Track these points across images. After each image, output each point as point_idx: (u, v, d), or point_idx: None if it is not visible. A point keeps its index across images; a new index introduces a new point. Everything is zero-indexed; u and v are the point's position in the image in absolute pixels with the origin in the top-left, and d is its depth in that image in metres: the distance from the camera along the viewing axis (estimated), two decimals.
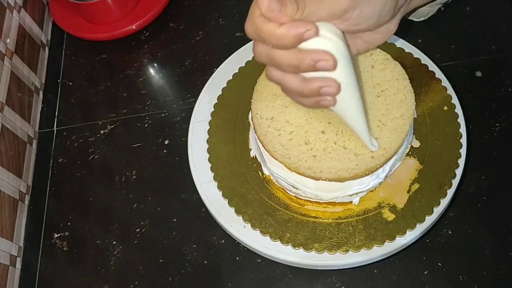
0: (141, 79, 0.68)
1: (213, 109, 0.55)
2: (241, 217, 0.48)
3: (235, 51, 0.59)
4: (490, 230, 0.52)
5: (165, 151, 0.62)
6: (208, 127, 0.54)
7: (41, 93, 0.70)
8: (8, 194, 0.57)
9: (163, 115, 0.64)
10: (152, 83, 0.68)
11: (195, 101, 0.57)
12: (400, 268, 0.51)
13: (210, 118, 0.55)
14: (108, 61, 0.71)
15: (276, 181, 0.50)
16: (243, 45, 0.59)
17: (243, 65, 0.57)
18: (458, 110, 0.52)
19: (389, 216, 0.47)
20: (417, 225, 0.46)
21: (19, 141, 0.61)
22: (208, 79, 0.58)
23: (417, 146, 0.50)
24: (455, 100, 0.52)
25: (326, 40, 0.32)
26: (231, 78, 0.57)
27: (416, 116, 0.51)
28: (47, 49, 0.74)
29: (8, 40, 0.64)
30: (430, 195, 0.47)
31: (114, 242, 0.56)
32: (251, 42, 0.34)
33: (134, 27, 0.70)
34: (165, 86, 0.68)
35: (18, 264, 0.56)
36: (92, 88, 0.69)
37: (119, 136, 0.64)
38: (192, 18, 0.72)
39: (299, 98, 0.36)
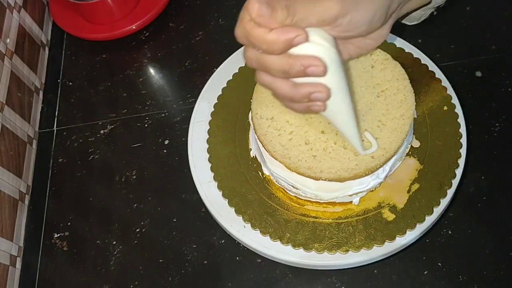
0: (141, 79, 0.68)
1: (213, 109, 0.55)
2: (241, 217, 0.48)
3: (235, 51, 0.59)
4: (490, 230, 0.52)
5: (165, 151, 0.62)
6: (208, 127, 0.54)
7: (41, 93, 0.70)
8: (8, 194, 0.57)
9: (163, 115, 0.64)
10: (152, 83, 0.68)
11: (195, 101, 0.57)
12: (400, 268, 0.51)
13: (210, 118, 0.55)
14: (108, 61, 0.71)
15: (276, 181, 0.50)
16: (243, 45, 0.59)
17: (243, 65, 0.57)
18: (458, 110, 0.52)
19: (389, 216, 0.47)
20: (417, 225, 0.46)
21: (19, 141, 0.61)
22: (208, 79, 0.58)
23: (417, 146, 0.50)
24: (455, 100, 0.52)
25: (317, 46, 0.32)
26: (231, 78, 0.57)
27: (416, 116, 0.51)
28: (47, 49, 0.74)
29: (8, 40, 0.64)
30: (430, 195, 0.47)
31: (114, 242, 0.56)
32: None
33: (134, 27, 0.70)
34: (165, 86, 0.68)
35: (18, 264, 0.56)
36: (92, 88, 0.69)
37: (119, 136, 0.64)
38: (192, 18, 0.72)
39: (289, 103, 0.36)
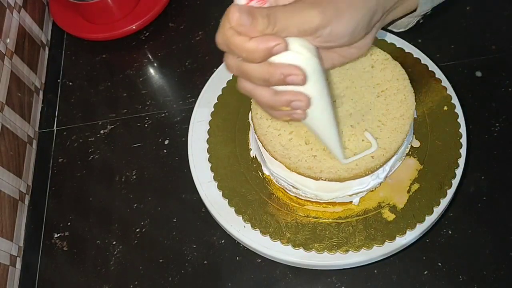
0: (141, 79, 0.68)
1: (213, 109, 0.55)
2: (241, 217, 0.48)
3: None
4: (490, 230, 0.52)
5: (165, 151, 0.62)
6: (208, 127, 0.54)
7: (41, 93, 0.70)
8: (8, 194, 0.57)
9: (163, 115, 0.64)
10: (152, 83, 0.68)
11: (195, 101, 0.57)
12: (400, 268, 0.51)
13: (210, 118, 0.55)
14: (108, 61, 0.71)
15: (276, 181, 0.50)
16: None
17: None
18: (458, 110, 0.52)
19: (389, 216, 0.47)
20: (417, 225, 0.46)
21: (19, 141, 0.61)
22: (208, 79, 0.58)
23: (417, 146, 0.50)
24: (455, 100, 0.52)
25: (297, 55, 0.32)
26: (231, 78, 0.57)
27: (416, 116, 0.51)
28: (47, 49, 0.74)
29: (8, 40, 0.64)
30: (430, 195, 0.47)
31: (114, 242, 0.56)
32: None
33: (134, 27, 0.70)
34: (165, 86, 0.68)
35: (18, 264, 0.56)
36: (92, 88, 0.69)
37: (119, 136, 0.64)
38: (192, 18, 0.72)
39: (270, 110, 0.36)
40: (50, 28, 0.76)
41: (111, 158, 0.62)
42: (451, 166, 0.49)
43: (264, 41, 0.31)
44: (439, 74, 0.54)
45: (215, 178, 0.51)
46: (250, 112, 0.51)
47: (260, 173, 0.51)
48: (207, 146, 0.53)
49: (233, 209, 0.49)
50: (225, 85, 0.56)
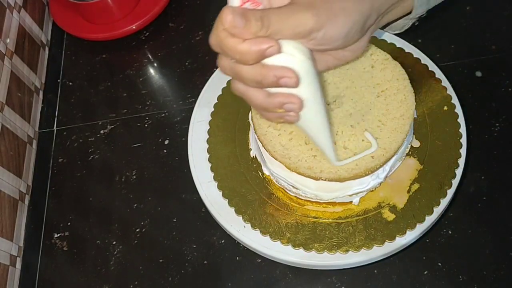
0: (141, 79, 0.68)
1: (213, 109, 0.55)
2: (241, 217, 0.48)
3: None
4: (490, 230, 0.52)
5: (165, 151, 0.62)
6: (208, 127, 0.54)
7: (41, 93, 0.70)
8: (8, 194, 0.57)
9: (163, 115, 0.64)
10: (152, 83, 0.68)
11: (195, 101, 0.57)
12: (400, 268, 0.51)
13: (210, 118, 0.55)
14: (108, 61, 0.71)
15: (276, 181, 0.50)
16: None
17: None
18: (458, 110, 0.52)
19: (389, 216, 0.47)
20: (417, 225, 0.46)
21: (19, 141, 0.61)
22: (208, 79, 0.58)
23: (417, 146, 0.50)
24: (455, 100, 0.52)
25: (291, 57, 0.32)
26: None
27: (416, 116, 0.51)
28: (47, 49, 0.74)
29: (8, 40, 0.64)
30: (430, 195, 0.47)
31: (114, 242, 0.56)
32: None
33: (134, 27, 0.70)
34: (165, 86, 0.68)
35: (18, 264, 0.56)
36: (92, 88, 0.69)
37: (119, 136, 0.64)
38: (192, 18, 0.72)
39: (263, 112, 0.36)
40: (50, 28, 0.76)
41: (111, 158, 0.62)
42: (451, 166, 0.49)
43: (257, 43, 0.31)
44: (439, 74, 0.54)
45: (215, 178, 0.51)
46: (250, 112, 0.51)
47: (260, 173, 0.51)
48: (207, 146, 0.53)
49: (233, 209, 0.49)
50: (225, 85, 0.56)
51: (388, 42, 0.56)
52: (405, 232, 0.46)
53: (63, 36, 0.74)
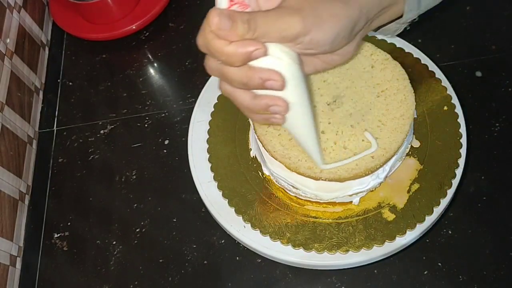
0: (141, 79, 0.68)
1: (213, 109, 0.55)
2: (241, 217, 0.48)
3: None
4: (490, 230, 0.52)
5: (165, 151, 0.62)
6: (208, 127, 0.54)
7: (41, 93, 0.70)
8: (8, 194, 0.57)
9: (163, 115, 0.64)
10: (152, 83, 0.68)
11: (195, 101, 0.57)
12: (400, 268, 0.51)
13: (210, 118, 0.55)
14: (108, 61, 0.71)
15: (276, 181, 0.50)
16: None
17: None
18: (458, 110, 0.52)
19: (389, 216, 0.47)
20: (417, 225, 0.46)
21: (19, 141, 0.61)
22: (208, 79, 0.58)
23: (417, 146, 0.50)
24: (455, 100, 0.52)
25: (277, 60, 0.33)
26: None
27: (416, 116, 0.51)
28: (47, 49, 0.74)
29: (8, 40, 0.64)
30: (430, 195, 0.47)
31: (114, 242, 0.56)
32: None
33: (134, 27, 0.70)
34: (165, 86, 0.68)
35: (18, 264, 0.56)
36: (92, 88, 0.69)
37: (119, 136, 0.64)
38: (192, 18, 0.72)
39: (249, 113, 0.36)
40: (50, 28, 0.76)
41: (111, 158, 0.62)
42: (451, 166, 0.49)
43: (243, 45, 0.31)
44: (439, 74, 0.54)
45: (215, 178, 0.51)
46: None
47: (260, 173, 0.51)
48: (207, 146, 0.53)
49: (233, 209, 0.49)
50: None
51: (388, 42, 0.56)
52: (405, 232, 0.46)
53: (63, 36, 0.74)
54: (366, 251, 0.46)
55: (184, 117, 0.63)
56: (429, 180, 0.48)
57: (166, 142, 0.62)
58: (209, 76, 0.58)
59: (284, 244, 0.47)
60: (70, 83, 0.70)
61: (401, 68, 0.48)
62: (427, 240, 0.52)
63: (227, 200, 0.49)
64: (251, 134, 0.53)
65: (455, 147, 0.50)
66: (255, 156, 0.52)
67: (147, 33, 0.72)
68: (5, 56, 0.62)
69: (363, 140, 0.45)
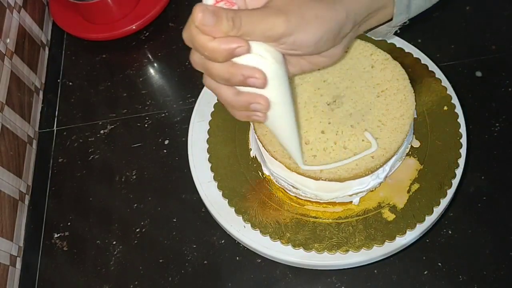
0: (141, 79, 0.68)
1: (213, 109, 0.55)
2: (241, 217, 0.48)
3: None
4: (490, 230, 0.52)
5: (165, 151, 0.62)
6: (208, 127, 0.54)
7: (41, 93, 0.70)
8: (8, 194, 0.57)
9: (163, 115, 0.64)
10: (152, 83, 0.68)
11: (195, 101, 0.57)
12: (400, 268, 0.51)
13: (210, 118, 0.55)
14: (108, 61, 0.71)
15: (276, 181, 0.50)
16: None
17: None
18: (458, 110, 0.52)
19: (389, 216, 0.47)
20: (417, 225, 0.46)
21: (19, 141, 0.61)
22: None
23: (417, 146, 0.50)
24: (455, 100, 0.52)
25: (261, 59, 0.33)
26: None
27: (416, 116, 0.51)
28: (47, 49, 0.74)
29: (8, 40, 0.64)
30: (430, 195, 0.47)
31: (114, 242, 0.56)
32: None
33: (134, 27, 0.70)
34: (165, 86, 0.68)
35: (18, 264, 0.56)
36: (92, 88, 0.69)
37: (119, 136, 0.64)
38: None
39: (231, 109, 0.37)
40: (50, 28, 0.76)
41: (111, 158, 0.62)
42: (451, 166, 0.49)
43: (226, 42, 0.31)
44: (439, 74, 0.54)
45: (215, 178, 0.51)
46: None
47: (260, 173, 0.51)
48: (207, 146, 0.53)
49: (233, 209, 0.49)
50: None
51: (388, 42, 0.56)
52: (405, 232, 0.46)
53: (63, 36, 0.74)
54: (366, 251, 0.46)
55: (184, 117, 0.63)
56: (429, 180, 0.48)
57: (166, 142, 0.62)
58: None
59: (284, 244, 0.47)
60: (70, 83, 0.70)
61: (401, 68, 0.48)
62: (427, 240, 0.52)
63: (227, 200, 0.49)
64: (251, 134, 0.53)
65: (455, 147, 0.50)
66: (255, 156, 0.52)
67: (147, 33, 0.72)
68: (5, 56, 0.62)
69: (363, 140, 0.45)
